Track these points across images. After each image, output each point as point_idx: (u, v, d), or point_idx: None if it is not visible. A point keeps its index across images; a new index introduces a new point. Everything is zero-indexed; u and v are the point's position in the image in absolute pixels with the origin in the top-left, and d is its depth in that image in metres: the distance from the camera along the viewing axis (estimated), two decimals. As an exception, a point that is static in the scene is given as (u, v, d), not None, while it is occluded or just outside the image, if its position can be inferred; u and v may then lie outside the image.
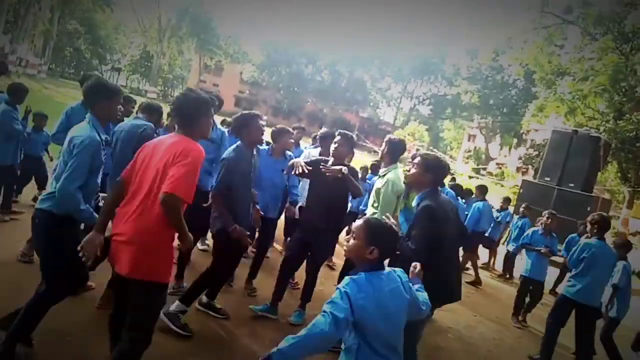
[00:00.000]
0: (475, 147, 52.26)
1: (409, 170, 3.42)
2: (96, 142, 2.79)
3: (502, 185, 32.22)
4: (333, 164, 4.15)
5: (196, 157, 2.43)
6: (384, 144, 4.35)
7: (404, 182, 4.07)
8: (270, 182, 4.60)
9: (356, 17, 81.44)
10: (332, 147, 4.28)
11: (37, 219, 2.84)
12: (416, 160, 3.28)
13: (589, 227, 5.00)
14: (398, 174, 4.19)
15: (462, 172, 35.21)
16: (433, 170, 3.21)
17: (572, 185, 12.82)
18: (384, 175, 4.23)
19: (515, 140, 47.96)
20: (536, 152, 36.75)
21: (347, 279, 2.08)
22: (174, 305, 3.72)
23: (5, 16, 43.08)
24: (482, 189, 8.66)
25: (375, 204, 4.20)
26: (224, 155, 3.85)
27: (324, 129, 6.65)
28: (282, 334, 3.91)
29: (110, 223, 2.61)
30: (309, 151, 5.80)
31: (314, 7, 70.46)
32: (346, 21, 77.39)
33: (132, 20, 55.69)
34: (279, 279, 4.42)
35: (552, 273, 7.14)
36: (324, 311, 1.94)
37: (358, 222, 2.22)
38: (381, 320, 2.02)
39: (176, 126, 2.65)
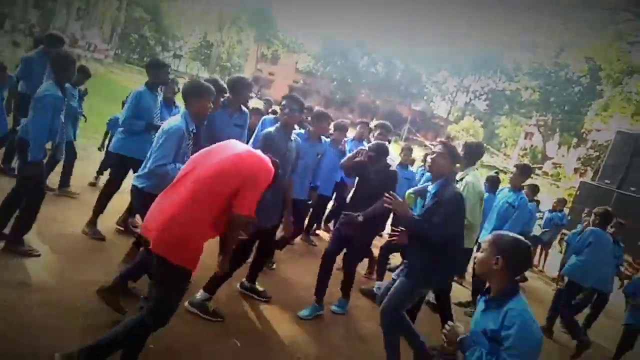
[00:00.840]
0: (531, 146, 50.53)
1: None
2: (181, 131, 3.18)
3: (557, 186, 31.11)
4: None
5: (264, 180, 2.63)
6: (461, 147, 4.28)
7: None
8: (305, 165, 4.48)
9: (413, 14, 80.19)
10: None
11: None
12: (439, 148, 3.41)
13: (592, 217, 5.55)
14: (477, 176, 4.21)
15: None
16: (456, 158, 3.42)
17: (633, 189, 12.36)
18: (461, 179, 4.19)
19: (575, 140, 45.94)
20: (597, 153, 35.20)
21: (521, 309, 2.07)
22: (199, 294, 3.68)
23: (78, 3, 45.60)
24: (533, 189, 8.42)
25: None
26: (264, 131, 3.93)
27: (364, 120, 6.96)
28: (321, 320, 4.22)
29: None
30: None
31: (371, 3, 69.85)
32: (402, 17, 76.16)
33: (195, 10, 57.41)
34: (320, 276, 4.28)
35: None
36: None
37: (488, 236, 2.30)
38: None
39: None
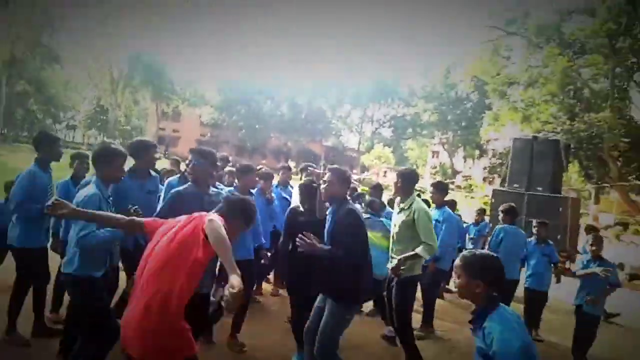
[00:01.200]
0: (440, 163, 53.21)
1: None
2: (97, 196, 3.03)
3: (472, 197, 32.66)
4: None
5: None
6: (396, 177, 4.41)
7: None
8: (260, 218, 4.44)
9: (307, 48, 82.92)
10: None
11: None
12: (327, 176, 3.57)
13: (501, 215, 6.25)
14: (420, 201, 4.37)
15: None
16: (346, 181, 3.64)
17: (540, 189, 13.00)
18: (408, 208, 4.24)
19: (477, 152, 49.06)
20: (499, 161, 37.64)
21: (492, 329, 2.06)
22: None
23: (-51, 85, 41.91)
24: (451, 204, 8.54)
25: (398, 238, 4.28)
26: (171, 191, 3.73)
27: (291, 163, 7.05)
28: None
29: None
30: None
31: (266, 41, 71.16)
32: (298, 51, 78.56)
33: (82, 75, 54.94)
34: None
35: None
36: None
37: (457, 260, 2.27)
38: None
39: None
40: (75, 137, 62.43)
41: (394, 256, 4.26)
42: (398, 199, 4.49)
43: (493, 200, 13.80)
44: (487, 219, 10.12)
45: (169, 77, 52.65)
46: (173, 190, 3.66)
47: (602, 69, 22.55)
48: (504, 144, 39.07)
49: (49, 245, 4.36)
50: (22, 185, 3.94)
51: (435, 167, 52.65)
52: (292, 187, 6.56)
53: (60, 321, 4.37)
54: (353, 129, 64.25)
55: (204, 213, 2.43)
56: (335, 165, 3.76)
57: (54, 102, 55.12)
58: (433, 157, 57.89)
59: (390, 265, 4.29)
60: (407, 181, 4.35)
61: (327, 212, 3.60)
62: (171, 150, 43.59)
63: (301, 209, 4.12)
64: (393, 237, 4.38)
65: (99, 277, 3.10)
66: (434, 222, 5.35)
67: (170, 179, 4.49)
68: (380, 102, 59.77)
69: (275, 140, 58.14)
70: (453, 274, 2.30)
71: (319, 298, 3.57)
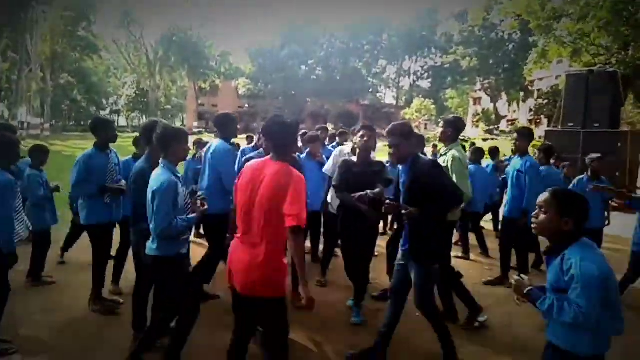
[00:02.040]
0: (483, 109, 51.51)
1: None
2: (173, 183, 3.02)
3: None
4: (362, 159, 4.20)
5: (302, 188, 2.63)
6: (444, 126, 4.35)
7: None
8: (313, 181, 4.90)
9: (336, 8, 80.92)
10: (360, 142, 4.21)
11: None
12: (391, 140, 3.42)
13: (538, 154, 6.33)
14: (461, 150, 4.29)
15: (474, 137, 34.62)
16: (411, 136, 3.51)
17: (597, 125, 12.43)
18: (445, 154, 4.24)
19: (522, 94, 47.15)
20: (546, 100, 36.11)
21: (578, 257, 2.01)
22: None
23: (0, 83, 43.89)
24: (491, 152, 8.23)
25: None
26: None
27: (329, 125, 7.12)
28: (350, 335, 3.98)
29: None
30: (340, 149, 5.58)
31: (295, 8, 70.06)
32: (328, 13, 76.87)
33: (120, 62, 56.28)
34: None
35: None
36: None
37: (545, 194, 2.19)
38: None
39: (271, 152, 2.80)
40: (120, 121, 64.35)
41: None
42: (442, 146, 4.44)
43: (546, 141, 13.35)
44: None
45: (204, 54, 53.02)
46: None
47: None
48: (549, 83, 37.33)
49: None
50: (79, 167, 4.18)
51: (478, 115, 51.04)
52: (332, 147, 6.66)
53: (119, 293, 4.70)
54: (390, 85, 63.02)
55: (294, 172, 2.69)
56: (400, 121, 3.67)
57: (96, 90, 56.96)
58: (475, 104, 56.06)
59: None
60: (454, 129, 4.28)
61: (400, 170, 3.52)
62: (211, 124, 44.39)
63: (354, 160, 4.30)
64: None
65: (184, 254, 3.22)
66: (516, 172, 5.36)
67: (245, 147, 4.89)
68: (417, 54, 58.09)
69: (313, 104, 57.88)
70: (537, 208, 2.19)
71: (399, 256, 3.56)
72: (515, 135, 5.84)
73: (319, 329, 4.13)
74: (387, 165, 4.56)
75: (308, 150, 5.60)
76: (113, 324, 4.12)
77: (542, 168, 5.98)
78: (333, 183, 4.31)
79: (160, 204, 2.93)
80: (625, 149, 12.00)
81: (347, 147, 5.54)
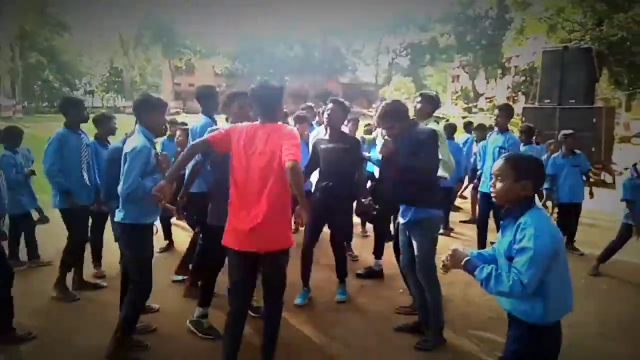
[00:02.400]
0: (461, 87, 51.76)
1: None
2: (147, 149, 3.05)
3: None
4: (331, 134, 4.22)
5: (295, 136, 2.88)
6: (418, 98, 4.29)
7: None
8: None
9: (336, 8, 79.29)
10: (325, 115, 4.27)
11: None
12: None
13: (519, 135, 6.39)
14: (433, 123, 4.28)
15: (454, 114, 34.87)
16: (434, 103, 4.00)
17: (572, 101, 12.66)
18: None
19: (499, 71, 47.45)
20: (523, 78, 36.45)
21: (527, 229, 1.98)
22: (196, 311, 3.69)
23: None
24: (466, 126, 8.33)
25: None
26: None
27: (308, 103, 7.04)
28: (333, 313, 4.03)
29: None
30: (317, 130, 5.57)
31: (294, 8, 68.66)
32: (328, 13, 75.46)
33: (93, 40, 54.63)
34: (303, 267, 4.33)
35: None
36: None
37: (499, 162, 2.17)
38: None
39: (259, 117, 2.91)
40: (94, 101, 62.82)
41: None
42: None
43: (524, 118, 13.54)
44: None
45: (179, 32, 51.80)
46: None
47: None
48: (526, 60, 37.63)
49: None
50: (52, 148, 4.12)
51: (457, 92, 51.26)
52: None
53: (101, 276, 4.74)
54: (369, 62, 62.68)
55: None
56: (392, 101, 3.68)
57: (69, 70, 55.25)
58: (453, 81, 56.25)
59: None
60: (429, 103, 4.25)
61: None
62: (188, 104, 43.65)
63: (326, 137, 4.29)
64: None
65: (150, 224, 3.26)
66: (497, 148, 5.42)
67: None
68: (395, 32, 57.75)
69: (292, 83, 57.35)
70: (494, 177, 2.16)
71: (400, 232, 3.67)
72: (495, 112, 5.88)
73: (303, 308, 4.19)
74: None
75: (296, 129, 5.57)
76: (98, 306, 4.11)
77: (523, 147, 6.21)
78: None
79: (130, 165, 2.96)
80: (600, 124, 12.26)
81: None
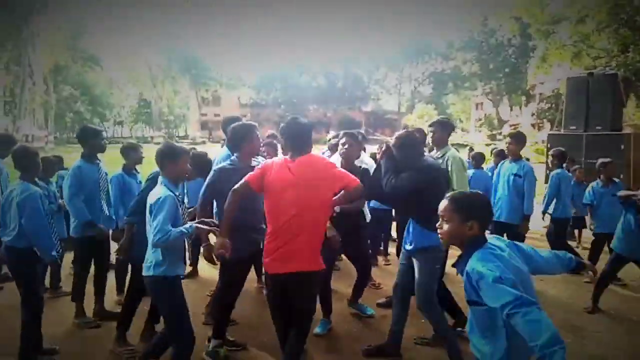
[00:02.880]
0: (485, 115, 51.48)
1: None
2: (172, 198, 3.02)
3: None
4: (344, 167, 3.91)
5: (334, 165, 3.21)
6: (432, 127, 4.32)
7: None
8: None
9: (338, 18, 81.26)
10: (341, 149, 4.24)
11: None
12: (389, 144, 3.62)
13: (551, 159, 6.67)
14: (455, 151, 4.30)
15: (478, 142, 34.59)
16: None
17: (599, 127, 12.39)
18: (442, 156, 4.22)
19: (524, 98, 47.12)
20: (548, 105, 36.09)
21: (474, 266, 1.89)
22: (210, 344, 3.65)
23: (3, 97, 44.19)
24: (476, 157, 8.10)
25: None
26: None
27: (332, 133, 6.96)
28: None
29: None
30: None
31: (295, 8, 70.46)
32: (328, 13, 77.10)
33: (123, 73, 56.63)
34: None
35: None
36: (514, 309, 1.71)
37: (444, 203, 2.07)
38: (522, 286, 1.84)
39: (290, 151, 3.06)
40: (123, 132, 64.63)
41: None
42: (434, 150, 4.39)
43: (549, 145, 13.31)
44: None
45: (205, 64, 53.29)
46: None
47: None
48: (551, 86, 37.33)
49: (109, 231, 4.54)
50: (71, 180, 4.16)
51: (480, 120, 50.99)
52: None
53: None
54: (391, 91, 63.08)
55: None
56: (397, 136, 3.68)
57: (100, 102, 57.24)
58: (477, 109, 56.05)
59: None
60: (442, 129, 4.28)
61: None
62: (214, 134, 44.50)
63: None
64: None
65: (181, 275, 3.19)
66: (512, 176, 5.35)
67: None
68: (418, 60, 58.19)
69: (315, 112, 58.00)
70: (440, 219, 2.08)
71: (401, 256, 3.72)
72: (507, 139, 5.78)
73: (323, 337, 4.13)
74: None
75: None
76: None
77: (556, 171, 6.33)
78: None
79: (157, 214, 2.93)
80: (628, 150, 11.95)
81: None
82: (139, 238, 3.69)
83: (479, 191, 2.24)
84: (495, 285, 1.78)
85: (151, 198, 3.04)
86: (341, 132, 4.49)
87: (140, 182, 4.66)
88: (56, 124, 48.66)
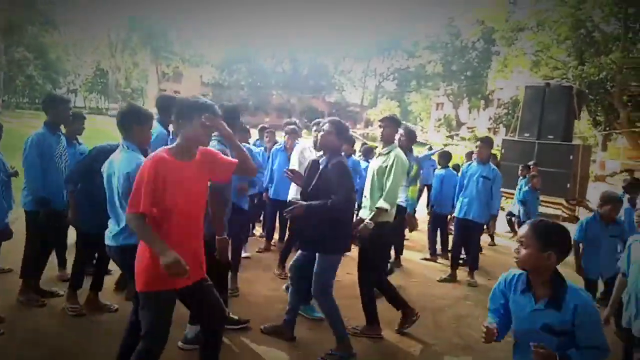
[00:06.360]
0: (444, 115, 52.58)
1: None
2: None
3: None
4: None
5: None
6: (383, 123, 4.29)
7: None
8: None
9: (310, 6, 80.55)
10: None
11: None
12: (326, 126, 3.66)
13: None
14: (400, 151, 4.23)
15: (435, 141, 35.36)
16: (343, 134, 3.75)
17: (551, 137, 12.94)
18: (387, 153, 4.18)
19: (482, 102, 48.43)
20: (505, 110, 37.23)
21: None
22: (189, 331, 3.51)
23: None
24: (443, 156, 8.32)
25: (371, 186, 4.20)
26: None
27: (292, 119, 7.40)
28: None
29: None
30: (303, 147, 5.52)
31: (265, 1, 69.23)
32: (300, 10, 76.39)
33: (81, 39, 54.11)
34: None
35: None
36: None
37: (525, 229, 2.10)
38: None
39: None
40: (77, 101, 61.94)
41: (365, 205, 4.21)
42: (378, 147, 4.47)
43: (503, 150, 13.77)
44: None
45: (168, 38, 51.64)
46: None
47: (614, 10, 21.87)
48: (510, 93, 38.52)
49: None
50: (30, 149, 3.91)
51: (440, 120, 52.02)
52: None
53: (65, 279, 4.41)
54: (356, 84, 63.37)
55: None
56: (336, 118, 3.86)
57: (54, 68, 54.43)
58: (437, 109, 57.15)
59: (363, 214, 4.19)
60: (392, 126, 4.28)
61: (320, 162, 3.68)
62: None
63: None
64: (367, 185, 4.26)
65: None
66: (481, 178, 5.66)
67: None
68: (384, 55, 58.63)
69: (278, 97, 57.49)
70: (518, 243, 2.10)
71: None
72: (478, 143, 6.05)
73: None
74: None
75: (285, 143, 6.12)
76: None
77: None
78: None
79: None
80: (576, 161, 12.54)
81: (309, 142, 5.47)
82: (80, 202, 3.73)
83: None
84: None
85: (122, 166, 2.80)
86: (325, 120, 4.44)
87: (82, 155, 4.40)
88: (5, 87, 45.95)
